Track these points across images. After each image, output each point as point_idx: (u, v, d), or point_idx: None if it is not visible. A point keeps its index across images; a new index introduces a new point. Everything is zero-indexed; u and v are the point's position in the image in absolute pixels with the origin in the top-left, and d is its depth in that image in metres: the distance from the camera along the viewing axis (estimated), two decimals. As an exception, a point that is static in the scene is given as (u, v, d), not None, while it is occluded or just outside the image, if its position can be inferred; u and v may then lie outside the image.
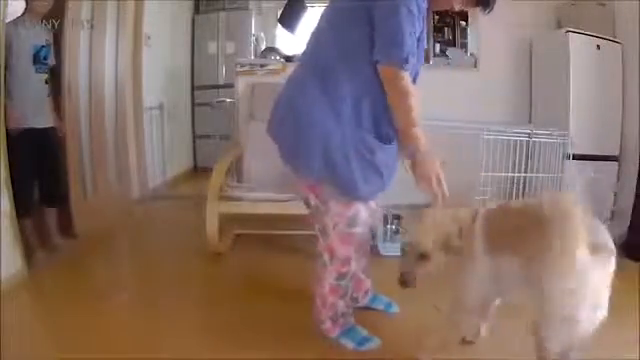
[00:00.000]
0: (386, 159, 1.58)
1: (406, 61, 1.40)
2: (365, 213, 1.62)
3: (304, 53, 1.65)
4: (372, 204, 1.79)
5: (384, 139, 1.56)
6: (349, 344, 1.73)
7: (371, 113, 1.52)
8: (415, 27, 1.42)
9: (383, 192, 1.66)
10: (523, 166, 2.97)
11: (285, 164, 1.66)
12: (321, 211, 1.61)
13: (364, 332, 1.77)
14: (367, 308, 2.00)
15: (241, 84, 3.25)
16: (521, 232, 1.32)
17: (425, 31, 1.57)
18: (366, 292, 2.01)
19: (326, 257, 1.66)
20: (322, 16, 1.61)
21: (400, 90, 1.44)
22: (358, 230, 1.62)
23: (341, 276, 1.68)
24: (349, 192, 1.55)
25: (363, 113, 1.51)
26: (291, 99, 1.60)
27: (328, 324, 1.76)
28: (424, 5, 1.45)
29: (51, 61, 2.67)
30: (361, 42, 1.45)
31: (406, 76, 1.44)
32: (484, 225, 1.42)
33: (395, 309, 2.01)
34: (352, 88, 1.49)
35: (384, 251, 2.72)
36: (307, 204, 1.69)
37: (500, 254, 1.38)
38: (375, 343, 1.74)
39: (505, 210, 1.46)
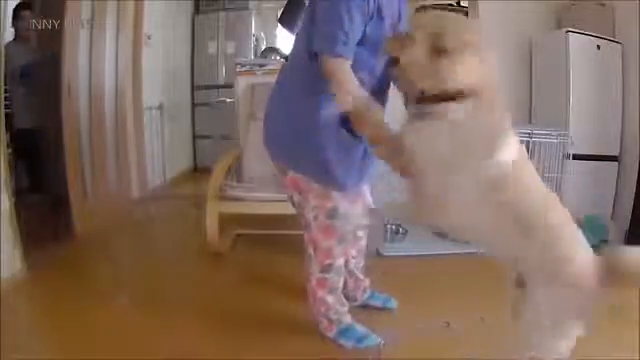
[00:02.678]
0: (359, 153, 1.62)
1: (342, 47, 1.39)
2: (346, 207, 1.64)
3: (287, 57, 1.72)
4: (370, 203, 1.81)
5: (354, 132, 1.54)
6: (348, 343, 1.73)
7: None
8: (362, 13, 1.40)
9: (359, 187, 1.70)
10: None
11: (273, 162, 1.72)
12: (303, 206, 1.65)
13: (363, 330, 1.77)
14: (365, 306, 2.01)
15: (241, 84, 3.24)
16: None
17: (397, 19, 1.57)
18: (364, 290, 2.03)
19: (311, 250, 1.69)
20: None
21: (332, 78, 1.41)
22: (338, 223, 1.63)
23: (325, 268, 1.69)
24: (329, 183, 1.59)
25: (331, 108, 1.50)
26: (271, 100, 1.73)
27: (325, 323, 1.76)
28: None
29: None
30: (308, 39, 1.48)
31: (338, 63, 1.41)
32: None
33: (393, 304, 2.02)
34: (313, 84, 1.50)
35: (384, 251, 2.73)
36: (292, 202, 1.73)
37: None
38: (375, 340, 1.75)
39: None
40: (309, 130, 1.53)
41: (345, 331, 1.76)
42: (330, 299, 1.73)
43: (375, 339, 1.75)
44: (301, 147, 1.57)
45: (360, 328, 1.78)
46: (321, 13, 1.43)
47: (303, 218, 1.68)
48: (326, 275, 1.70)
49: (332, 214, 1.62)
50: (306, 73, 1.52)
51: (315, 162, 1.56)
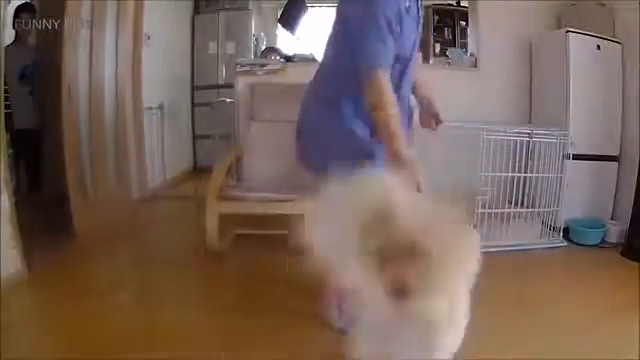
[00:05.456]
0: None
1: (374, 61, 1.40)
2: None
3: (320, 65, 1.72)
4: None
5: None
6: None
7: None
8: (391, 22, 1.40)
9: None
10: (523, 166, 2.97)
11: (307, 168, 1.71)
12: None
13: None
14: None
15: (241, 84, 3.25)
16: None
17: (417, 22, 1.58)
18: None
19: None
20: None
21: (372, 90, 1.42)
22: None
23: None
24: None
25: (362, 114, 1.52)
26: (305, 110, 1.69)
27: (334, 312, 1.80)
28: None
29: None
30: (345, 47, 1.47)
31: (379, 75, 1.41)
32: None
33: None
34: (347, 90, 1.51)
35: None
36: None
37: None
38: None
39: None
40: (350, 139, 1.53)
41: (353, 322, 1.79)
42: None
43: None
44: (344, 156, 1.52)
45: None
46: (354, 19, 1.43)
47: None
48: None
49: None
50: (336, 82, 1.54)
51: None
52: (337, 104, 1.54)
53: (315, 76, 1.69)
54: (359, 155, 1.51)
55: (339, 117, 1.54)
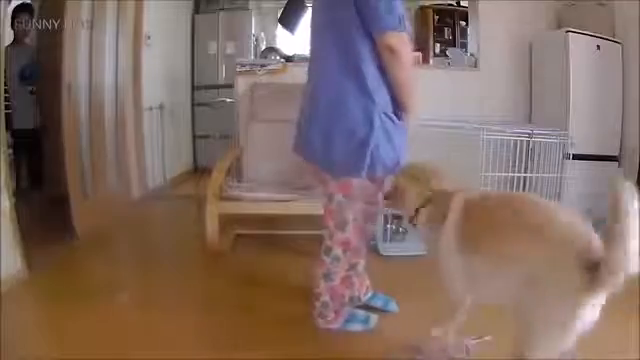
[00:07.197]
0: (400, 135, 1.68)
1: (400, 23, 1.49)
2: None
3: (311, 61, 1.74)
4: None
5: (398, 114, 1.67)
6: (357, 327, 1.83)
7: (388, 89, 1.61)
8: None
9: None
10: (523, 166, 2.97)
11: (320, 169, 1.74)
12: (345, 207, 1.69)
13: (364, 312, 1.89)
14: (366, 307, 2.01)
15: (241, 84, 3.25)
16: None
17: None
18: (366, 290, 2.03)
19: (339, 251, 1.74)
20: (316, 21, 1.71)
21: (403, 54, 1.51)
22: (370, 225, 1.77)
23: (352, 266, 1.81)
24: (387, 171, 1.66)
25: (383, 92, 1.60)
26: (318, 109, 1.67)
27: (331, 316, 1.81)
28: None
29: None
30: (357, 26, 1.52)
31: (405, 38, 1.51)
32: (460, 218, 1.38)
33: (393, 307, 2.03)
34: (367, 72, 1.56)
35: (384, 251, 2.73)
36: (330, 200, 1.75)
37: (473, 252, 1.34)
38: (374, 318, 1.87)
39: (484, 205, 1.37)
40: (361, 129, 1.59)
41: (353, 317, 1.85)
42: (347, 294, 1.84)
43: (374, 317, 1.87)
44: (355, 150, 1.60)
45: (361, 311, 1.90)
46: None
47: (337, 218, 1.71)
48: (351, 272, 1.81)
49: (370, 217, 1.73)
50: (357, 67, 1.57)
51: (368, 163, 1.61)
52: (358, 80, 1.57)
53: (317, 68, 1.70)
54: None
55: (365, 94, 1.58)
